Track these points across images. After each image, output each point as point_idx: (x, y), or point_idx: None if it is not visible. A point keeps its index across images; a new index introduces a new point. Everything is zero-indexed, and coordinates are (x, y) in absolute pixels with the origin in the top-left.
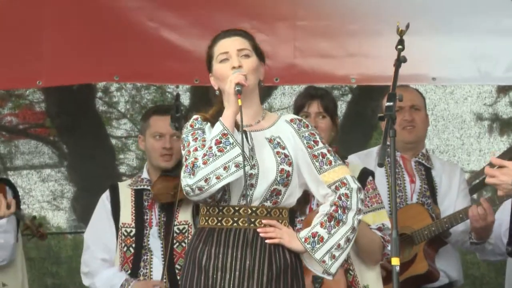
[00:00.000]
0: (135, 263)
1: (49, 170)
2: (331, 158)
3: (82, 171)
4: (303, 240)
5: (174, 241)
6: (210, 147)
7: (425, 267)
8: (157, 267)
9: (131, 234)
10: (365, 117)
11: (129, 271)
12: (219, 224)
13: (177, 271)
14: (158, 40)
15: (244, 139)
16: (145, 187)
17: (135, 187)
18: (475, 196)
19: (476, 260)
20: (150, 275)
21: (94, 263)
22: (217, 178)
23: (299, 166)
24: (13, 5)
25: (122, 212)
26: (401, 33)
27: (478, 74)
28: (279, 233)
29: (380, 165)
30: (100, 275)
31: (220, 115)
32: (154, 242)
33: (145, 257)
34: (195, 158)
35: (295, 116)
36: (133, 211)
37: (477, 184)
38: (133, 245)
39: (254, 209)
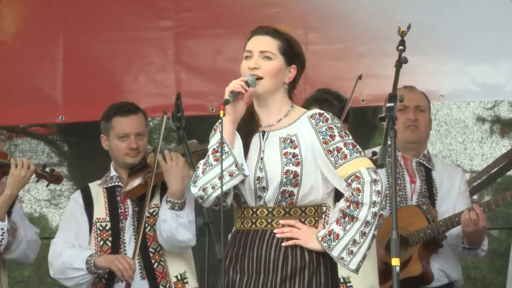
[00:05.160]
0: None
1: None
2: (347, 151)
3: (82, 171)
4: (320, 238)
5: (146, 225)
6: (208, 156)
7: (419, 269)
8: (140, 261)
9: (107, 228)
10: (366, 117)
11: None
12: (242, 226)
13: (151, 254)
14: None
15: (259, 142)
16: (116, 183)
17: (105, 186)
18: (475, 197)
19: (477, 261)
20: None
21: (60, 247)
22: (213, 187)
23: (318, 163)
24: (27, 39)
25: (95, 208)
26: (402, 33)
27: (486, 89)
28: (295, 233)
29: (381, 165)
30: (63, 254)
31: (246, 116)
32: (128, 232)
33: (120, 251)
34: (197, 167)
35: (317, 111)
36: (107, 206)
37: (478, 185)
38: (110, 239)
39: (270, 209)
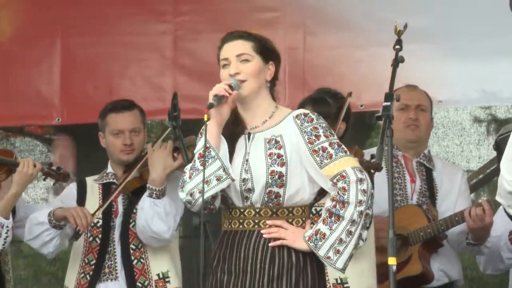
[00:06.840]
0: (100, 254)
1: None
2: (332, 151)
3: (79, 170)
4: (307, 238)
5: (130, 220)
6: (195, 161)
7: (419, 269)
8: (121, 259)
9: (98, 225)
10: (362, 117)
11: (93, 261)
12: (229, 226)
13: (131, 251)
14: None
15: (245, 144)
16: (111, 180)
17: (101, 182)
18: (472, 196)
19: (474, 261)
20: (115, 266)
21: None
22: (200, 192)
23: (303, 163)
24: (25, 40)
25: (88, 202)
26: (399, 33)
27: (484, 95)
28: (283, 233)
29: (378, 165)
30: (34, 214)
31: (231, 120)
32: (118, 230)
33: (109, 249)
34: (184, 172)
35: (302, 111)
36: (100, 203)
37: (474, 184)
38: (100, 236)
39: (257, 210)
